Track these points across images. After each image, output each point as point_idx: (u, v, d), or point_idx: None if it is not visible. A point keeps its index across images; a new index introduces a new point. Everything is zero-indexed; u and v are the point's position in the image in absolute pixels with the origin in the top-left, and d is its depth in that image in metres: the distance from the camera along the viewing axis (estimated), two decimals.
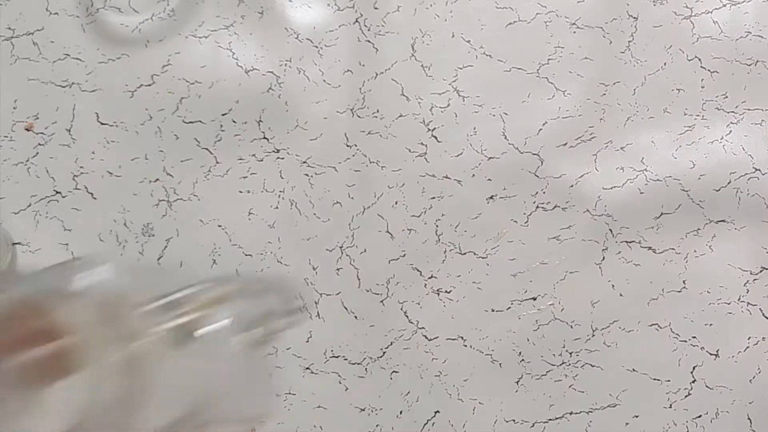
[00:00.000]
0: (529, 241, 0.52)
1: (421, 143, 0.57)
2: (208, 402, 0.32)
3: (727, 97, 0.55)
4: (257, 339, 0.33)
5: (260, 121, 0.58)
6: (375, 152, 0.57)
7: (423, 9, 0.59)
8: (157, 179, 0.57)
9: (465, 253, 0.52)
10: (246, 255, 0.55)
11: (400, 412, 0.52)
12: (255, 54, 0.59)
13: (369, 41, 0.59)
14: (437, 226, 0.55)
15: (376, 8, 0.59)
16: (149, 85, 0.59)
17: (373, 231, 0.55)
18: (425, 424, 0.52)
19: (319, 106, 0.58)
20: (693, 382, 0.50)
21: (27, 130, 0.59)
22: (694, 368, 0.51)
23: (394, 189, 0.56)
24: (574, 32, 0.58)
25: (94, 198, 0.57)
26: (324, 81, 0.58)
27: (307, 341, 0.54)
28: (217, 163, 0.57)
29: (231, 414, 0.35)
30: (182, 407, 0.30)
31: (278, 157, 0.57)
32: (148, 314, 0.29)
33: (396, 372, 0.53)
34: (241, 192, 0.57)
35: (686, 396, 0.50)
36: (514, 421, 0.51)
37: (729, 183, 0.53)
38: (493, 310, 0.53)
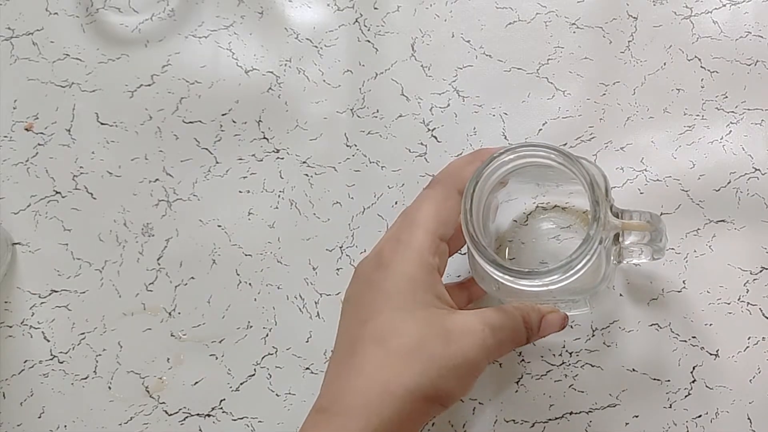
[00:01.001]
0: (528, 241, 0.52)
1: (421, 143, 0.57)
2: (585, 288, 0.44)
3: (726, 97, 0.55)
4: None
5: (260, 121, 0.58)
6: (375, 152, 0.57)
7: (423, 9, 0.59)
8: (157, 179, 0.57)
9: (464, 253, 0.52)
10: (246, 255, 0.55)
11: None
12: (255, 54, 0.59)
13: (369, 41, 0.59)
14: None
15: (375, 8, 0.59)
16: (149, 85, 0.59)
17: (373, 231, 0.55)
18: (425, 424, 0.52)
19: (319, 106, 0.58)
20: (693, 382, 0.50)
21: (27, 130, 0.59)
22: (694, 368, 0.51)
23: (394, 189, 0.56)
24: (574, 32, 0.58)
25: (94, 198, 0.57)
26: (324, 81, 0.58)
27: (307, 341, 0.54)
28: (217, 163, 0.57)
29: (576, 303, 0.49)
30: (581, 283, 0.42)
31: (278, 157, 0.57)
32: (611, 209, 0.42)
33: None
34: (240, 192, 0.57)
35: (686, 396, 0.50)
36: (514, 421, 0.51)
37: (729, 183, 0.53)
38: None
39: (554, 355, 0.52)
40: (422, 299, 0.40)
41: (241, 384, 0.53)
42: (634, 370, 0.51)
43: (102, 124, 0.59)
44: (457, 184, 0.43)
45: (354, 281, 0.44)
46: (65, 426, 0.54)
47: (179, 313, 0.55)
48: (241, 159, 0.57)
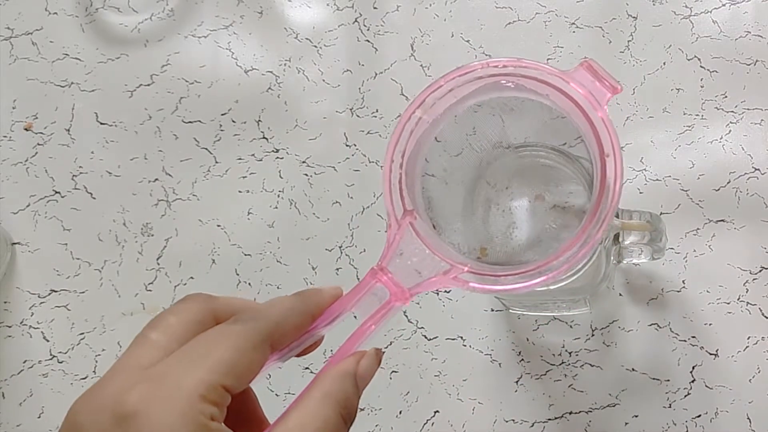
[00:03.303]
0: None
1: None
2: (584, 288, 0.43)
3: (726, 96, 0.55)
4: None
5: (259, 120, 0.58)
6: (374, 152, 0.57)
7: (422, 9, 0.59)
8: (156, 179, 0.57)
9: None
10: (245, 255, 0.55)
11: (400, 412, 0.52)
12: (254, 54, 0.59)
13: (368, 41, 0.59)
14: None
15: (375, 8, 0.59)
16: (148, 84, 0.59)
17: (373, 231, 0.55)
18: (425, 424, 0.52)
19: (319, 105, 0.58)
20: (692, 381, 0.50)
21: (26, 129, 0.59)
22: (693, 368, 0.51)
23: None
24: (574, 32, 0.58)
25: (93, 198, 0.57)
26: (323, 81, 0.58)
27: None
28: (217, 162, 0.57)
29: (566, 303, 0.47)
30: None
31: (277, 157, 0.57)
32: None
33: (395, 372, 0.53)
34: (240, 192, 0.57)
35: (686, 396, 0.50)
36: (513, 420, 0.51)
37: (728, 183, 0.53)
38: (492, 310, 0.53)
39: (554, 354, 0.52)
40: None
41: None
42: (633, 369, 0.51)
43: (101, 123, 0.59)
44: (269, 329, 0.30)
45: None
46: None
47: None
48: (240, 159, 0.57)
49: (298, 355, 0.32)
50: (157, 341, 0.29)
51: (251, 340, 0.29)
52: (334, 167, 0.57)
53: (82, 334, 0.55)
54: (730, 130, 0.54)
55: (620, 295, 0.52)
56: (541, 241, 0.44)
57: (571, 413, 0.51)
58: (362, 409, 0.52)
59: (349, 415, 0.30)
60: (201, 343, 0.28)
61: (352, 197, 0.56)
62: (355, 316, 0.33)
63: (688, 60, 0.56)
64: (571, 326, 0.52)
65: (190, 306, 0.30)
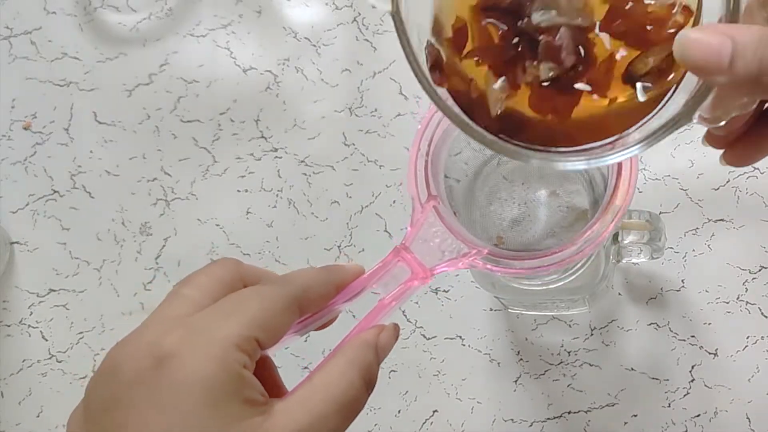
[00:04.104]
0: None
1: None
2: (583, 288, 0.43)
3: None
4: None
5: (258, 120, 0.58)
6: (373, 151, 0.56)
7: None
8: (155, 178, 0.57)
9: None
10: (244, 254, 0.55)
11: (399, 411, 0.52)
12: (253, 53, 0.59)
13: (367, 40, 0.59)
14: None
15: (374, 7, 0.59)
16: (147, 84, 0.59)
17: (371, 230, 0.55)
18: (423, 423, 0.52)
19: (317, 105, 0.58)
20: (692, 381, 0.50)
21: (25, 129, 0.59)
22: (692, 367, 0.51)
23: (393, 188, 0.56)
24: None
25: (92, 197, 0.57)
26: (322, 80, 0.58)
27: (306, 340, 0.54)
28: (215, 162, 0.57)
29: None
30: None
31: (276, 156, 0.57)
32: None
33: (394, 371, 0.53)
34: (239, 191, 0.57)
35: (685, 395, 0.50)
36: (512, 420, 0.51)
37: (728, 182, 0.53)
38: (491, 309, 0.53)
39: (552, 354, 0.52)
40: (225, 414, 0.27)
41: None
42: (632, 369, 0.51)
43: (100, 123, 0.59)
44: (298, 293, 0.32)
45: (106, 376, 0.29)
46: (63, 425, 0.53)
47: None
48: (239, 158, 0.57)
49: (316, 329, 0.35)
50: (190, 296, 0.30)
51: (282, 301, 0.31)
52: (332, 167, 0.56)
53: (81, 333, 0.55)
54: None
55: (619, 294, 0.52)
56: (555, 233, 0.45)
57: (569, 413, 0.51)
58: None
59: (370, 381, 0.33)
60: (235, 300, 0.30)
61: (350, 197, 0.56)
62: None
63: None
64: (570, 326, 0.52)
65: (220, 267, 0.32)
